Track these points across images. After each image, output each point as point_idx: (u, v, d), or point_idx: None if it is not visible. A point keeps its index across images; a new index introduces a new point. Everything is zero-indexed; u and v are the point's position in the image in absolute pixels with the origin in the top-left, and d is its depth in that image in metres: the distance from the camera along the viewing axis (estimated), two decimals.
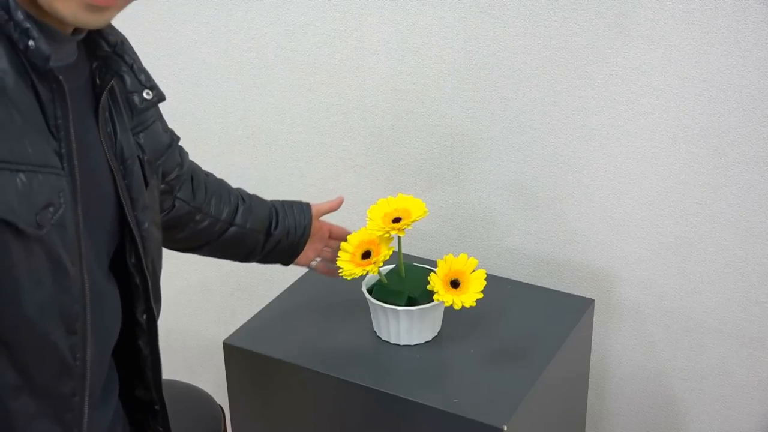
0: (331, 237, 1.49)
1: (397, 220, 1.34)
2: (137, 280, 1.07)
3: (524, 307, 1.48)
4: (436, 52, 1.58)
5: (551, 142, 1.54)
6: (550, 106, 1.52)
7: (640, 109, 1.46)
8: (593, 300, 1.51)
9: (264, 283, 1.97)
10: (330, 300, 1.50)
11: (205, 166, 1.93)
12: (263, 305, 1.52)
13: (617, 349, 1.63)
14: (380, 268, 1.35)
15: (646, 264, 1.55)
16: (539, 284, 1.59)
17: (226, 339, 1.43)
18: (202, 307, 2.08)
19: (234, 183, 1.98)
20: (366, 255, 1.34)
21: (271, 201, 1.45)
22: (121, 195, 1.03)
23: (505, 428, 1.20)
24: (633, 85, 1.45)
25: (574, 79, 1.48)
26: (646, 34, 1.41)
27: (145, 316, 1.10)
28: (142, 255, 1.06)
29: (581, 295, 1.53)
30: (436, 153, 1.65)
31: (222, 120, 1.85)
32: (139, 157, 1.07)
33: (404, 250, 1.60)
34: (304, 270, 1.62)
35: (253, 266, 1.97)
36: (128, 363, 1.13)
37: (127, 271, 1.07)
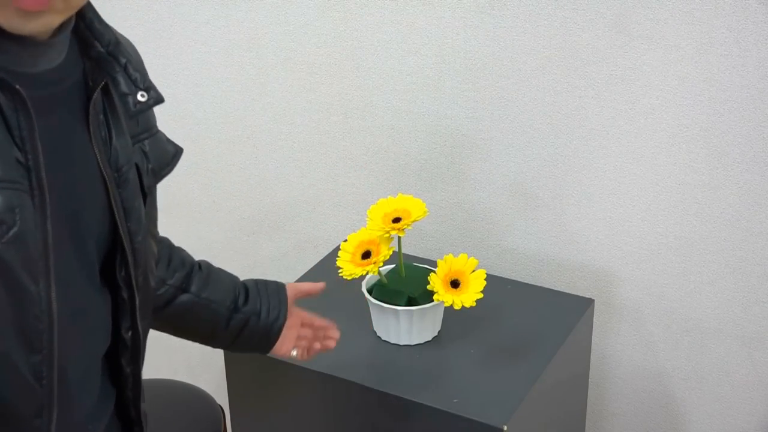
0: (303, 325, 1.30)
1: (397, 220, 1.34)
2: (125, 295, 1.01)
3: (524, 307, 1.48)
4: (436, 52, 1.58)
5: (551, 142, 1.54)
6: (550, 106, 1.52)
7: (640, 109, 1.46)
8: (593, 300, 1.51)
9: None
10: (330, 300, 1.50)
11: (206, 166, 1.93)
12: None
13: (617, 349, 1.63)
14: (380, 268, 1.35)
15: (646, 264, 1.55)
16: (539, 284, 1.59)
17: None
18: None
19: (234, 183, 1.99)
20: (366, 255, 1.34)
21: (242, 280, 1.28)
22: (113, 204, 0.97)
23: (505, 428, 1.21)
24: (633, 85, 1.45)
25: (574, 79, 1.48)
26: (646, 34, 1.41)
27: (130, 333, 1.03)
28: (132, 268, 1.00)
29: (581, 295, 1.54)
30: (436, 153, 1.65)
31: (222, 120, 1.85)
32: (137, 164, 1.02)
33: (404, 250, 1.60)
34: (304, 270, 1.62)
35: (253, 266, 1.97)
36: (109, 380, 1.06)
37: (116, 283, 1.01)
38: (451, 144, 1.63)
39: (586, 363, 1.56)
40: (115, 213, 0.97)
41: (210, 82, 1.83)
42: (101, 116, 0.96)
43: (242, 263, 1.97)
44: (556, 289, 1.56)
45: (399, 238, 1.36)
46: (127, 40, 1.07)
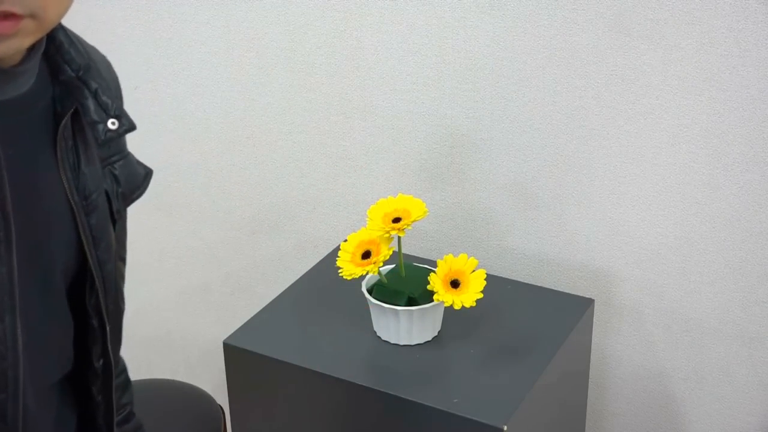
0: None
1: (397, 220, 1.34)
2: (95, 323, 0.98)
3: (524, 307, 1.48)
4: (436, 52, 1.58)
5: (551, 142, 1.54)
6: (550, 106, 1.52)
7: (640, 109, 1.46)
8: (593, 300, 1.51)
9: (264, 283, 1.97)
10: (330, 300, 1.50)
11: (206, 166, 1.93)
12: (263, 305, 1.52)
13: (617, 349, 1.63)
14: (380, 268, 1.35)
15: (646, 264, 1.55)
16: (539, 284, 1.59)
17: (226, 339, 1.43)
18: (202, 307, 2.08)
19: (234, 183, 1.99)
20: (366, 255, 1.34)
21: None
22: (82, 233, 0.93)
23: (505, 428, 1.20)
24: (633, 85, 1.45)
25: (574, 79, 1.48)
26: (646, 34, 1.41)
27: (101, 362, 1.00)
28: (101, 296, 0.97)
29: (581, 295, 1.53)
30: (436, 153, 1.65)
31: (222, 120, 1.85)
32: (107, 191, 0.98)
33: (404, 250, 1.60)
34: (304, 270, 1.62)
35: (253, 266, 1.97)
36: (80, 409, 1.04)
37: (85, 310, 0.98)
38: (451, 144, 1.63)
39: (586, 363, 1.56)
40: (84, 242, 0.94)
41: (210, 82, 1.83)
42: (70, 142, 0.92)
43: (242, 263, 1.97)
44: (556, 289, 1.56)
45: (399, 238, 1.36)
46: (104, 61, 1.03)
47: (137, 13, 1.84)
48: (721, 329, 1.53)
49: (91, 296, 0.97)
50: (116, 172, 1.00)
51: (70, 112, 0.91)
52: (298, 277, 1.59)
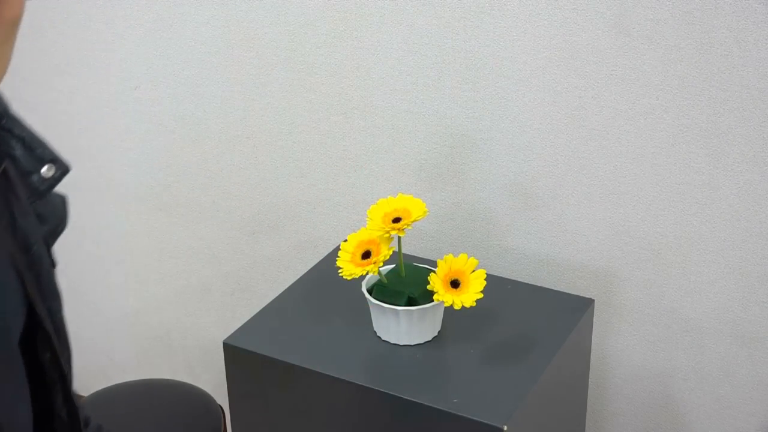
0: None
1: (397, 220, 1.34)
2: (54, 375, 0.90)
3: (524, 307, 1.48)
4: (436, 52, 1.58)
5: (551, 142, 1.54)
6: (550, 106, 1.52)
7: (640, 109, 1.46)
8: (593, 300, 1.51)
9: (264, 283, 1.97)
10: (330, 300, 1.50)
11: (205, 166, 1.93)
12: (263, 305, 1.52)
13: (617, 349, 1.63)
14: (380, 268, 1.35)
15: (646, 264, 1.55)
16: (539, 284, 1.59)
17: (226, 339, 1.43)
18: (202, 307, 2.08)
19: (234, 183, 1.99)
20: (366, 255, 1.34)
21: None
22: (28, 289, 0.84)
23: (505, 428, 1.20)
24: (633, 85, 1.45)
25: (574, 79, 1.48)
26: (646, 34, 1.41)
27: (65, 410, 0.94)
28: (57, 349, 0.89)
29: (581, 295, 1.53)
30: (436, 153, 1.65)
31: (222, 120, 1.85)
32: (45, 237, 0.90)
33: (404, 250, 1.60)
34: (304, 270, 1.62)
35: (253, 266, 1.97)
36: None
37: (40, 365, 0.89)
38: (451, 144, 1.63)
39: (586, 363, 1.56)
40: (32, 298, 0.85)
41: (210, 82, 1.83)
42: (1, 200, 0.82)
43: (242, 263, 1.97)
44: (556, 289, 1.56)
45: (399, 238, 1.36)
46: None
47: (137, 13, 1.84)
48: (721, 329, 1.53)
49: (45, 351, 0.88)
50: (39, 211, 0.90)
51: (1, 169, 0.81)
52: (298, 277, 1.59)
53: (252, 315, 1.49)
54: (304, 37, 1.69)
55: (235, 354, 1.42)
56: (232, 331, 1.45)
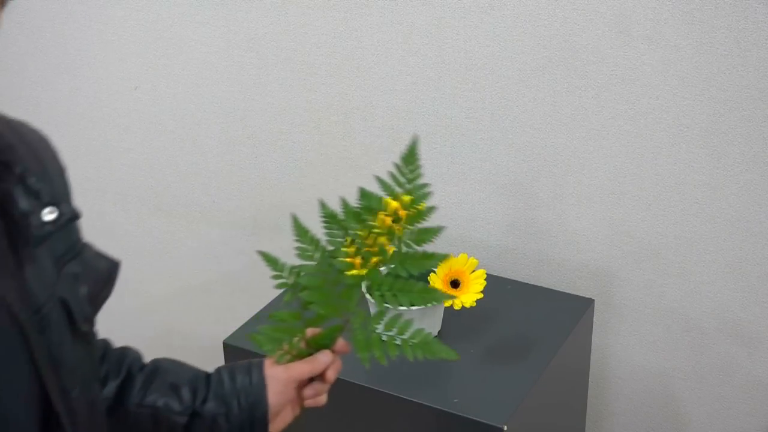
0: (300, 387, 1.04)
1: (397, 220, 1.33)
2: None
3: (524, 307, 1.48)
4: (436, 52, 1.58)
5: (551, 142, 1.54)
6: (550, 106, 1.52)
7: (640, 109, 1.46)
8: (593, 300, 1.51)
9: (264, 283, 1.96)
10: None
11: (206, 166, 1.93)
12: (263, 305, 1.52)
13: (617, 349, 1.63)
14: (380, 269, 1.35)
15: (646, 264, 1.55)
16: (539, 284, 1.59)
17: (226, 339, 1.43)
18: (202, 307, 2.08)
19: (234, 183, 1.98)
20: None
21: (217, 368, 1.05)
22: (36, 357, 0.73)
23: (505, 428, 1.20)
24: (633, 85, 1.45)
25: (574, 79, 1.48)
26: (646, 34, 1.41)
27: None
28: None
29: (581, 295, 1.53)
30: (436, 153, 1.65)
31: (222, 120, 1.85)
32: (63, 298, 0.78)
33: (404, 250, 1.60)
34: None
35: (253, 266, 1.97)
36: None
37: None
38: (451, 144, 1.63)
39: (586, 363, 1.56)
40: (40, 368, 0.74)
41: (210, 82, 1.83)
42: (4, 242, 0.73)
43: (242, 263, 1.97)
44: (556, 289, 1.56)
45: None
46: (41, 140, 0.84)
47: (137, 13, 1.84)
48: (721, 329, 1.53)
49: None
50: (76, 271, 0.80)
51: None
52: None
53: (252, 315, 1.49)
54: (304, 37, 1.69)
55: (235, 354, 1.42)
56: (232, 331, 1.44)
